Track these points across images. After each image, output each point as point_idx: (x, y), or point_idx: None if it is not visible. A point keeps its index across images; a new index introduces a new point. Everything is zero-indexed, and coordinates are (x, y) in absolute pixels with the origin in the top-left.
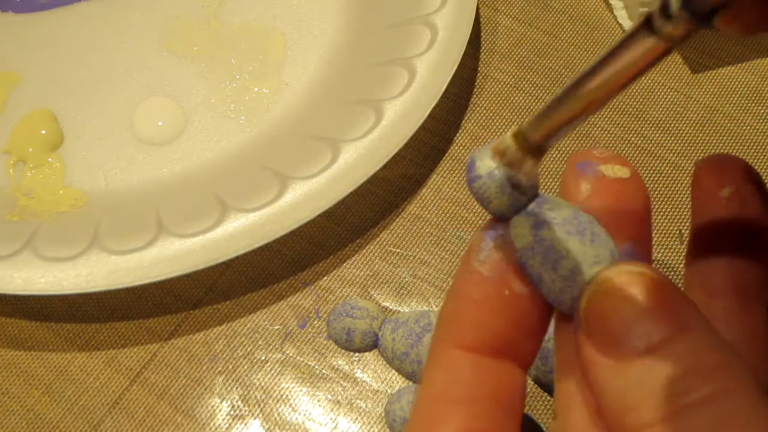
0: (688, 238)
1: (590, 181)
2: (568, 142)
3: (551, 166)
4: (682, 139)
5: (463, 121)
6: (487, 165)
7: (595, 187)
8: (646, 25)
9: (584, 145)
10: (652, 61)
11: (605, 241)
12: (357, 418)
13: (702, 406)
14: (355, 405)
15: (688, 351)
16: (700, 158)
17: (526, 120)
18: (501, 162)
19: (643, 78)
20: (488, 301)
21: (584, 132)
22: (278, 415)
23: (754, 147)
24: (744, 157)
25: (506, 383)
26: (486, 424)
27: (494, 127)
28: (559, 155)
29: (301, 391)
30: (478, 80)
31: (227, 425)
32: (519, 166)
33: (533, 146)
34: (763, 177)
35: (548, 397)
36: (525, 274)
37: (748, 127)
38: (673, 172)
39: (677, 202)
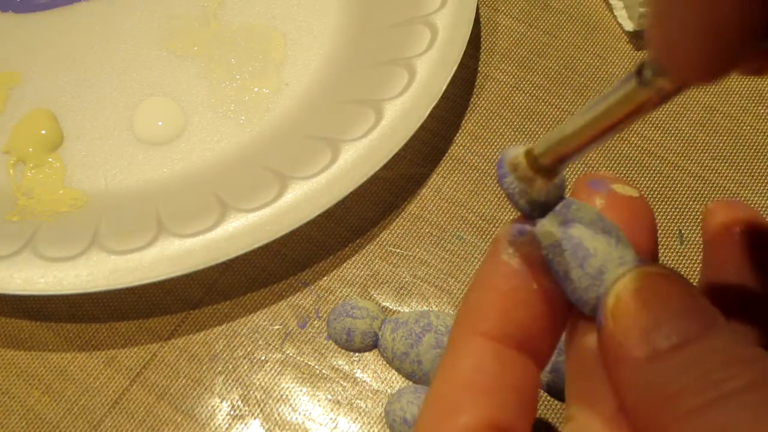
0: (695, 241)
1: (603, 196)
2: None
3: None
4: (682, 139)
5: (463, 121)
6: (513, 164)
7: (608, 202)
8: (638, 76)
9: None
10: (654, 106)
11: (628, 245)
12: (357, 418)
13: (745, 392)
14: (355, 405)
15: (721, 344)
16: (722, 163)
17: (539, 140)
18: (515, 175)
19: None
20: (516, 293)
21: None
22: (278, 415)
23: (754, 147)
24: (744, 157)
25: (528, 377)
26: (509, 416)
27: (494, 127)
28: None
29: (301, 391)
30: (478, 80)
31: (227, 425)
32: (530, 184)
33: (543, 168)
34: (763, 177)
35: (547, 397)
36: (550, 271)
37: (748, 127)
38: (673, 172)
39: (677, 202)
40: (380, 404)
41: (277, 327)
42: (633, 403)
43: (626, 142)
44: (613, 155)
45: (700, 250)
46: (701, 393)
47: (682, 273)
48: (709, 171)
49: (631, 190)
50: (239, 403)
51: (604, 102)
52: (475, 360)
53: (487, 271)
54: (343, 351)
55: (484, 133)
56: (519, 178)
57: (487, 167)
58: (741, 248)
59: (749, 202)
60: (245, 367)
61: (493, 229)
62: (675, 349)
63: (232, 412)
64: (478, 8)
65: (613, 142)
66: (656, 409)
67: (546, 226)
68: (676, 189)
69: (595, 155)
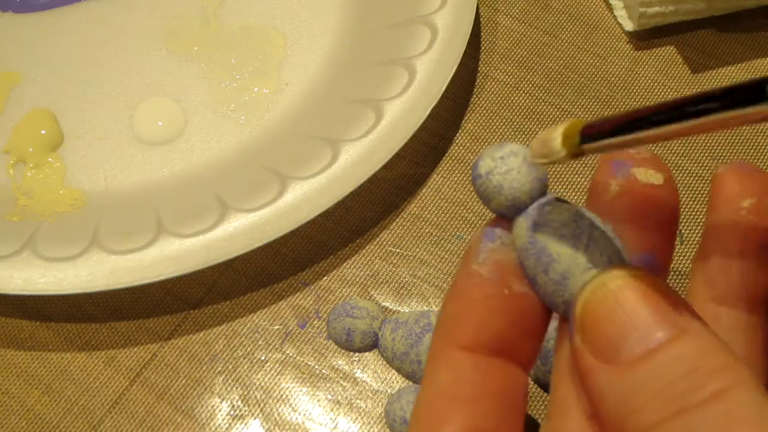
0: (695, 241)
1: (620, 182)
2: None
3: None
4: (682, 139)
5: (463, 121)
6: (488, 165)
7: (624, 189)
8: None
9: None
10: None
11: (604, 246)
12: (357, 418)
13: (707, 404)
14: (355, 405)
15: (688, 353)
16: (722, 163)
17: (581, 127)
18: (542, 159)
19: (643, 78)
20: (488, 302)
21: None
22: (278, 415)
23: (754, 147)
24: (744, 157)
25: (509, 382)
26: (491, 422)
27: (494, 127)
28: None
29: (301, 391)
30: (478, 80)
31: (227, 425)
32: (550, 163)
33: (579, 153)
34: None
35: (548, 397)
36: (523, 274)
37: (748, 127)
38: (673, 172)
39: None
40: (380, 404)
41: (277, 327)
42: (602, 414)
43: None
44: None
45: None
46: (664, 407)
47: (681, 273)
48: (709, 171)
49: (654, 177)
50: (239, 403)
51: (709, 116)
52: (454, 372)
53: (460, 281)
54: (343, 351)
55: (484, 133)
56: (544, 156)
57: None
58: (746, 228)
59: None
60: (245, 367)
61: None
62: (639, 360)
63: (232, 412)
64: (478, 8)
65: None
66: (622, 422)
67: (517, 228)
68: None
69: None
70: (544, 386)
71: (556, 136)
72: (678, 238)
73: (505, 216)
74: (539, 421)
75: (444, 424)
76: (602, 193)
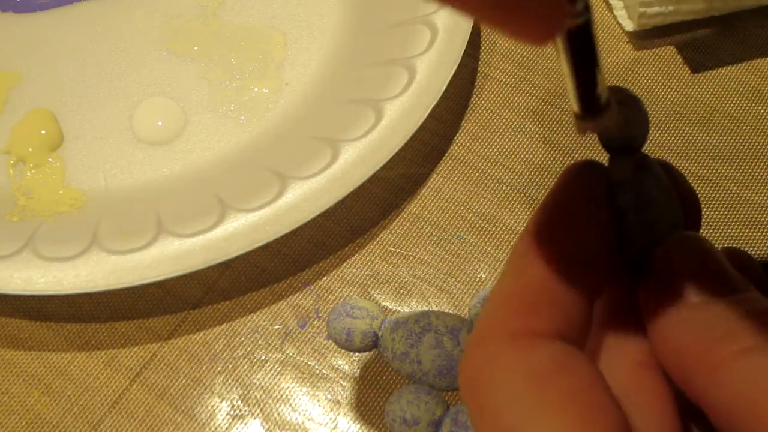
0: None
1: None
2: (569, 141)
3: (550, 165)
4: (682, 139)
5: (463, 121)
6: (619, 98)
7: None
8: None
9: (586, 144)
10: None
11: (681, 213)
12: (357, 418)
13: None
14: (355, 405)
15: (760, 301)
16: (722, 163)
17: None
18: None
19: (643, 78)
20: (582, 218)
21: None
22: (278, 415)
23: (754, 147)
24: (744, 157)
25: (587, 304)
26: (574, 332)
27: (494, 127)
28: (559, 155)
29: (301, 391)
30: (478, 80)
31: (227, 425)
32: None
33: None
34: (763, 177)
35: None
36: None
37: (748, 127)
38: None
39: None
40: (380, 404)
41: (277, 327)
42: (677, 347)
43: None
44: None
45: None
46: (752, 335)
47: None
48: (709, 171)
49: (687, 188)
50: (239, 403)
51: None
52: (546, 271)
53: (558, 193)
54: (343, 351)
55: (484, 133)
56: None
57: (487, 167)
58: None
59: (749, 202)
60: (245, 367)
61: (493, 229)
62: (722, 296)
63: (232, 412)
64: None
65: None
66: (704, 351)
67: (621, 163)
68: None
69: (595, 154)
70: None
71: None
72: None
73: (613, 149)
74: None
75: (533, 312)
76: None
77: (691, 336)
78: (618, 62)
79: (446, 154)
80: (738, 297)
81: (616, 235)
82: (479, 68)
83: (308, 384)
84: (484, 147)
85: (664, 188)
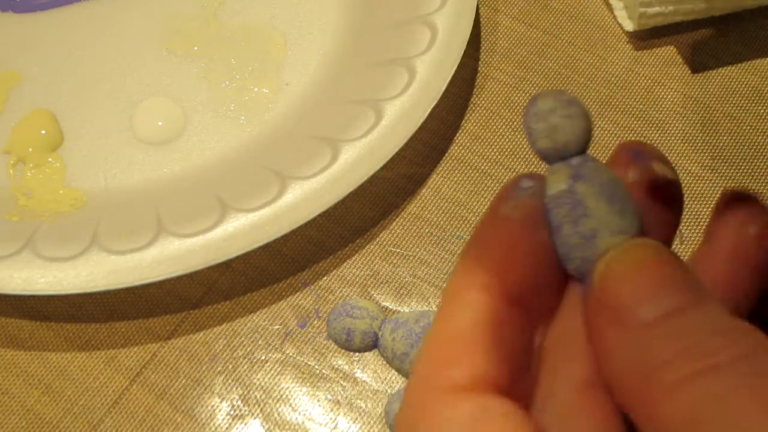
0: (694, 240)
1: (639, 171)
2: None
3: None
4: (682, 139)
5: (463, 121)
6: (550, 104)
7: (642, 178)
8: None
9: None
10: None
11: (633, 216)
12: (357, 418)
13: (736, 362)
14: (355, 405)
15: (711, 317)
16: (722, 163)
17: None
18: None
19: (643, 78)
20: (516, 245)
21: None
22: (278, 415)
23: (754, 147)
24: (744, 157)
25: (524, 337)
26: (503, 373)
27: (494, 127)
28: None
29: (301, 391)
30: (478, 80)
31: (227, 425)
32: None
33: None
34: (763, 177)
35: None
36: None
37: (748, 127)
38: None
39: None
40: (380, 404)
41: (277, 327)
42: (618, 373)
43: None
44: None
45: None
46: (691, 363)
47: None
48: (709, 171)
49: (670, 172)
50: (239, 403)
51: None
52: (473, 313)
53: (487, 224)
54: (343, 351)
55: (484, 133)
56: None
57: (487, 167)
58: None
59: None
60: (245, 367)
61: None
62: (665, 317)
63: (232, 412)
64: (478, 8)
65: (612, 142)
66: (642, 379)
67: (556, 174)
68: None
69: (594, 153)
70: None
71: None
72: (678, 238)
73: (547, 159)
74: None
75: (454, 366)
76: (621, 177)
77: (629, 362)
78: (618, 62)
79: (446, 154)
80: (686, 316)
81: (555, 254)
82: (479, 68)
83: (308, 384)
84: (484, 147)
85: (606, 195)
